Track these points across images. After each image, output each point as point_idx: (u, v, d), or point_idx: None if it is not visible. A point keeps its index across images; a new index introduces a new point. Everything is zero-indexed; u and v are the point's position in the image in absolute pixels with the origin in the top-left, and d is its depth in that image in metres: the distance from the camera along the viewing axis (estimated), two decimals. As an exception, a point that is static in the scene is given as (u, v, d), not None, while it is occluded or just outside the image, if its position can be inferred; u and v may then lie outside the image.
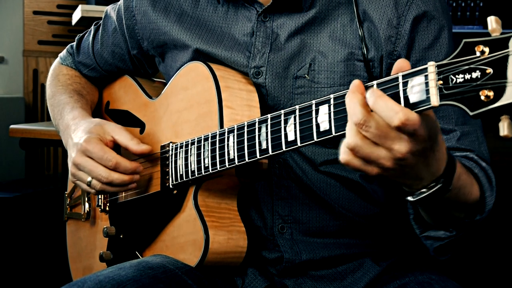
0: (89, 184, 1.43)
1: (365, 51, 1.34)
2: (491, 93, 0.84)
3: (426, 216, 1.20)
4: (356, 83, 0.98)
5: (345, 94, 1.02)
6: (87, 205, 1.71)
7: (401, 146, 0.96)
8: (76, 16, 3.35)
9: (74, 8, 3.45)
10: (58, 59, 1.83)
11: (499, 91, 0.84)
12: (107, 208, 1.63)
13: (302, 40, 1.38)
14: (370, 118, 0.95)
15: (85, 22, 3.22)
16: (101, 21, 1.73)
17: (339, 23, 1.37)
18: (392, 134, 0.95)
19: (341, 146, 1.00)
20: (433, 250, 1.27)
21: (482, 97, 0.85)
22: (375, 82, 0.98)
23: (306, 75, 1.37)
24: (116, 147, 1.47)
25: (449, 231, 1.21)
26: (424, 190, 1.04)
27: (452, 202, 1.13)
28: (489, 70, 0.84)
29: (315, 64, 1.37)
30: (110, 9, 1.70)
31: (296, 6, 1.38)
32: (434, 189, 1.04)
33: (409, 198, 1.07)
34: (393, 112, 0.93)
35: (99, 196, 1.65)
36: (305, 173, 1.39)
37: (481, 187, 1.22)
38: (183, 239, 1.39)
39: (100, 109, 1.77)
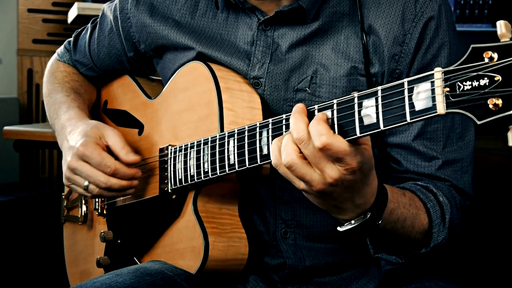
0: (86, 188, 1.43)
1: (369, 68, 1.35)
2: (499, 101, 0.83)
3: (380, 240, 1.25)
4: (301, 106, 1.06)
5: (351, 99, 1.02)
6: (84, 207, 1.71)
7: (333, 172, 1.02)
8: (72, 14, 3.35)
9: (70, 6, 3.45)
10: (55, 55, 1.83)
11: (508, 100, 0.83)
12: (105, 212, 1.63)
13: (304, 51, 1.38)
14: (311, 139, 1.01)
15: (81, 20, 3.22)
16: (98, 19, 1.73)
17: (343, 35, 1.37)
18: (327, 158, 1.01)
19: (272, 150, 1.08)
20: (384, 271, 1.34)
21: (490, 106, 0.84)
22: (379, 88, 0.98)
23: (307, 88, 1.36)
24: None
25: (400, 258, 1.28)
26: (352, 221, 1.11)
27: (392, 234, 1.20)
28: (498, 78, 0.84)
29: (317, 77, 1.36)
30: (107, 8, 1.69)
31: (300, 19, 1.37)
32: (360, 222, 1.11)
33: (338, 228, 1.13)
34: (318, 134, 1.00)
35: (97, 199, 1.65)
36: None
37: (430, 222, 1.27)
38: (183, 245, 1.39)
39: (98, 108, 1.77)
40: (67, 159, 1.45)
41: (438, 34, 1.34)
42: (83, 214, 1.71)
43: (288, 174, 1.07)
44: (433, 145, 1.35)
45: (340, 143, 1.00)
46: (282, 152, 1.04)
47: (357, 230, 1.12)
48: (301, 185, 1.07)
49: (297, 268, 1.40)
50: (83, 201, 1.71)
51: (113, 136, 1.45)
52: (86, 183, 1.42)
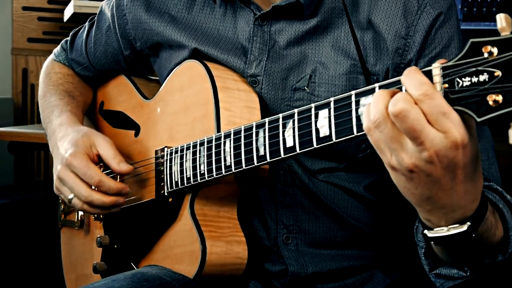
0: (70, 201, 1.43)
1: (365, 66, 1.32)
2: (499, 98, 0.82)
3: (439, 251, 1.12)
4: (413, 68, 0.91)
5: (346, 97, 1.01)
6: (80, 212, 1.71)
7: (435, 140, 0.87)
8: (68, 12, 3.36)
9: (66, 3, 3.46)
10: (52, 55, 1.84)
11: (509, 96, 0.82)
12: (101, 216, 1.63)
13: (302, 49, 1.37)
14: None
15: (77, 18, 3.23)
16: (96, 17, 1.73)
17: (343, 32, 1.36)
18: (429, 128, 0.87)
19: (363, 113, 0.94)
20: None
21: (490, 102, 0.82)
22: (377, 85, 0.97)
23: (305, 87, 1.36)
24: None
25: (464, 271, 1.13)
26: (445, 228, 0.97)
27: (473, 245, 1.03)
28: (498, 73, 0.82)
29: (316, 76, 1.35)
30: (105, 5, 1.70)
31: (297, 14, 1.37)
32: (454, 231, 0.97)
33: (426, 232, 1.00)
34: (418, 82, 0.87)
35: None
36: (311, 180, 1.38)
37: (505, 224, 1.14)
38: (180, 249, 1.39)
39: (94, 109, 1.77)
40: (57, 168, 1.46)
41: (445, 26, 1.33)
42: (79, 218, 1.71)
43: (379, 143, 0.92)
44: None
45: (445, 102, 0.86)
46: (371, 111, 0.90)
47: (445, 240, 0.99)
48: (390, 158, 0.91)
49: (299, 275, 1.40)
50: (79, 205, 1.71)
51: (104, 145, 1.45)
52: (70, 195, 1.43)
